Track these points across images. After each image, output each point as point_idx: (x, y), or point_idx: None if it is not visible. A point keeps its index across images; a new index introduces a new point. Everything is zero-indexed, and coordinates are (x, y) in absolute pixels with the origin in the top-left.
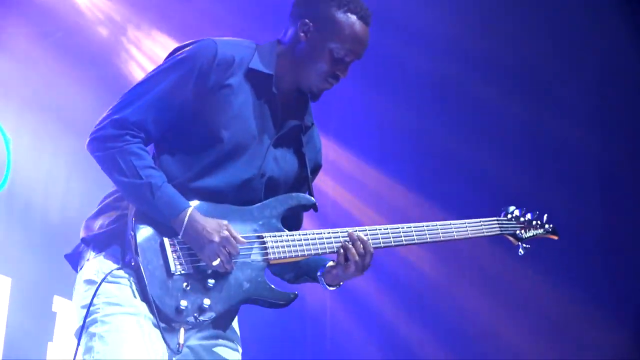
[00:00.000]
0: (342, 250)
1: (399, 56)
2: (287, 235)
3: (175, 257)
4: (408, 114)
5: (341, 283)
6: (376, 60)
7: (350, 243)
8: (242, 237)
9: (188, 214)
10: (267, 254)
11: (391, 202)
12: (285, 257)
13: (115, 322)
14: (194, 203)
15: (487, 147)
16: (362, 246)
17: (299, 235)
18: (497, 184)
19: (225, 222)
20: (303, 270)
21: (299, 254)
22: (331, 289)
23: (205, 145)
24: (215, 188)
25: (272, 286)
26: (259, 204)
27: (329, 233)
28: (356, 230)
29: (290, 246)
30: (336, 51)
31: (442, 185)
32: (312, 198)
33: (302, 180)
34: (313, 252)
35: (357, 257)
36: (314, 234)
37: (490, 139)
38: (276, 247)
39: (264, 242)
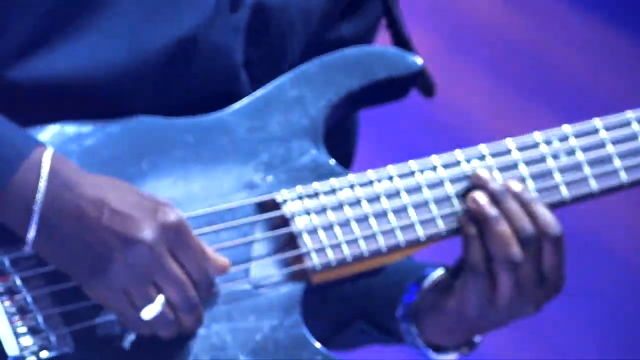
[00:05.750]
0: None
1: None
2: (354, 185)
3: (16, 309)
4: None
5: (475, 340)
6: None
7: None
8: (213, 212)
9: (44, 173)
10: (302, 257)
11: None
12: (362, 257)
13: None
14: (49, 133)
15: None
16: (521, 207)
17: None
18: None
19: (165, 202)
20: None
21: (401, 241)
22: (442, 358)
23: None
24: (94, 75)
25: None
26: (245, 100)
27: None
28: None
29: (371, 225)
30: None
31: None
32: (417, 57)
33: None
34: (427, 232)
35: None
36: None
37: None
38: (328, 235)
39: (285, 220)
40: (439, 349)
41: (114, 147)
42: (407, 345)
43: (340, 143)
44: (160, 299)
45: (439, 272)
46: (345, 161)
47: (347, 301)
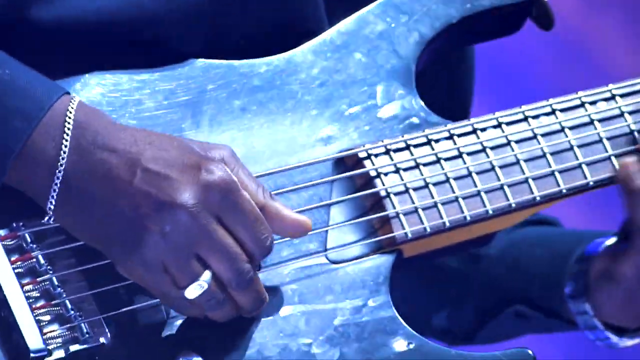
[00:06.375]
0: None
1: None
2: (453, 135)
3: (39, 294)
4: None
5: None
6: None
7: None
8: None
9: (69, 127)
10: (389, 223)
11: None
12: (464, 222)
13: None
14: (80, 84)
15: None
16: None
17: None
18: None
19: (225, 151)
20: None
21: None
22: (625, 343)
23: None
24: (136, 13)
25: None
26: (319, 37)
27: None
28: None
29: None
30: None
31: None
32: None
33: None
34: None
35: None
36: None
37: None
38: (421, 196)
39: (369, 179)
40: (620, 333)
41: (160, 97)
42: (579, 329)
43: (449, 90)
44: (206, 274)
45: (612, 240)
46: (457, 115)
47: (500, 282)
